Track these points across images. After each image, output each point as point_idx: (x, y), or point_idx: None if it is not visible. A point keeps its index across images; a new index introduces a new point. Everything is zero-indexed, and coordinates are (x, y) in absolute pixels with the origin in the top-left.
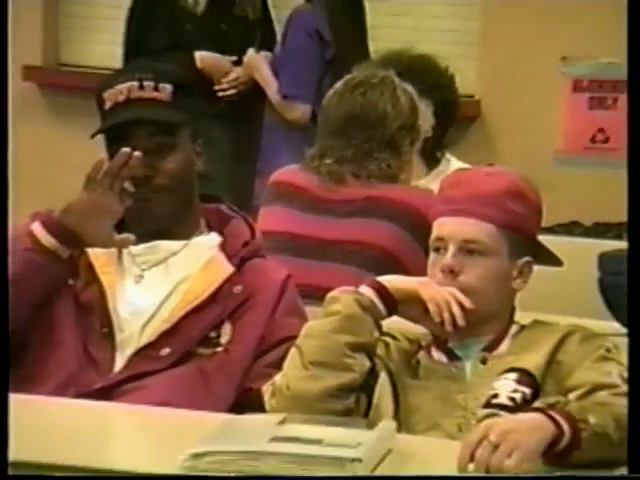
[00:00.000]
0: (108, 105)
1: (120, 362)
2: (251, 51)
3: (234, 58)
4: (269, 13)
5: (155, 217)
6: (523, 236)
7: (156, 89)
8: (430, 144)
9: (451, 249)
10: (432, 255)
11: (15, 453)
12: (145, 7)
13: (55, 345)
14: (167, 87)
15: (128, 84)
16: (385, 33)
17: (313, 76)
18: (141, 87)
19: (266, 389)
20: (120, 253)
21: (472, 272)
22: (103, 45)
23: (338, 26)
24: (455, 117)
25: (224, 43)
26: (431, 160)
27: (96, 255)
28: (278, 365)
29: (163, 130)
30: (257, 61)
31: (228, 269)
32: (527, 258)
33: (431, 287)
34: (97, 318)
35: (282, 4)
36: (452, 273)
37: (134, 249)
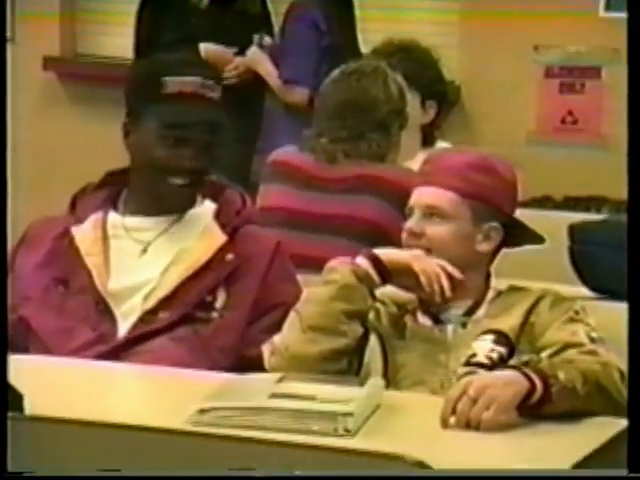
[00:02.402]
0: (169, 89)
1: (123, 330)
2: (253, 48)
3: (235, 50)
4: (267, 8)
5: (179, 202)
6: (488, 205)
7: (213, 89)
8: (428, 128)
9: (416, 214)
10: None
11: (32, 409)
12: (155, 3)
13: (64, 327)
14: (219, 88)
15: (194, 78)
16: (373, 25)
17: (311, 62)
18: (204, 85)
19: (265, 348)
20: (105, 237)
21: (433, 234)
22: (118, 37)
23: (332, 17)
24: (444, 104)
25: (226, 35)
26: (428, 142)
27: (82, 240)
28: (272, 331)
29: (211, 129)
30: (259, 57)
31: (221, 238)
32: (493, 223)
33: (423, 260)
34: (92, 298)
35: None
36: (415, 235)
37: (131, 226)
